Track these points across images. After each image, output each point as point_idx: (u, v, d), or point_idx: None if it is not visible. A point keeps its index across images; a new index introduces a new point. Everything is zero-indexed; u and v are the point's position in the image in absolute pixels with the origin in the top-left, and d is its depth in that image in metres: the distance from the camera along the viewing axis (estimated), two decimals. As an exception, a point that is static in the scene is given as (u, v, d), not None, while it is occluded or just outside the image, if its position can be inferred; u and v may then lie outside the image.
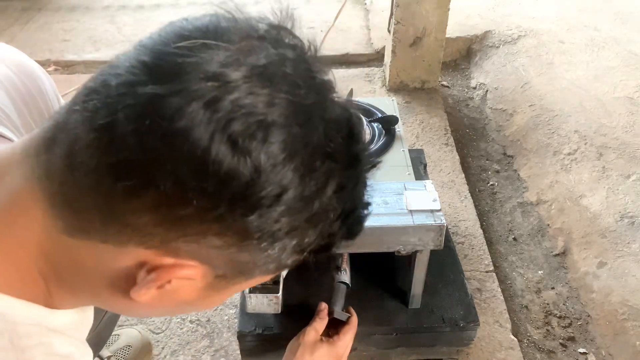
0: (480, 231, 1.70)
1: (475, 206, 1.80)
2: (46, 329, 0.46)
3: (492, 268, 1.59)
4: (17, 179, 0.42)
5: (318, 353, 1.00)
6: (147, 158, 0.37)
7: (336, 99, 0.43)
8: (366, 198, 0.47)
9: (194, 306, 0.49)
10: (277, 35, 0.41)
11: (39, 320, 0.46)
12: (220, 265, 0.43)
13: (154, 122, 0.36)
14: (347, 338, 1.05)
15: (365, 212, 0.47)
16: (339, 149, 0.41)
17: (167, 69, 0.37)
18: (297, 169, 0.38)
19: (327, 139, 0.40)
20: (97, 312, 0.57)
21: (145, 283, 0.42)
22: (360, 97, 1.57)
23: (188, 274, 0.42)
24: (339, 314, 1.10)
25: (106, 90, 0.38)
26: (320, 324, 1.05)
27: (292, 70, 0.40)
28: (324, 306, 1.10)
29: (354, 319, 1.09)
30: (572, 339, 1.49)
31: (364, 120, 1.43)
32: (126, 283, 0.43)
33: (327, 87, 0.42)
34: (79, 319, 0.51)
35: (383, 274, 1.29)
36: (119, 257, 0.42)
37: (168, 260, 0.41)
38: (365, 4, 3.02)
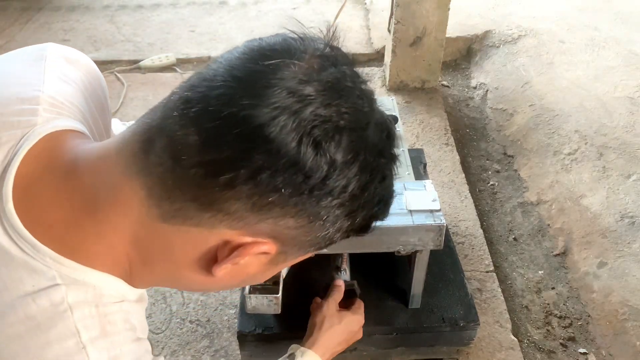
0: (481, 231, 1.70)
1: (476, 206, 1.80)
2: (125, 301, 0.54)
3: (492, 268, 1.58)
4: (115, 175, 0.50)
5: (346, 320, 1.07)
6: (248, 156, 0.45)
7: (377, 103, 0.53)
8: (394, 186, 0.56)
9: (253, 279, 0.59)
10: (334, 53, 0.51)
11: (122, 293, 0.54)
12: (287, 242, 0.52)
13: (255, 128, 0.45)
14: (362, 308, 1.12)
15: (393, 198, 0.57)
16: (384, 147, 0.52)
17: (259, 85, 0.46)
18: (359, 165, 0.48)
19: (378, 139, 0.51)
20: None
21: (230, 259, 0.50)
22: (360, 97, 1.56)
23: (264, 249, 0.51)
24: (351, 285, 1.16)
25: (206, 100, 0.47)
26: (338, 295, 1.10)
27: (351, 84, 0.50)
28: (340, 282, 1.14)
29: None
30: (572, 339, 1.49)
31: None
32: (208, 260, 0.52)
33: (373, 95, 0.53)
34: (142, 297, 0.59)
35: (383, 274, 1.29)
36: (206, 238, 0.50)
37: (248, 239, 0.50)
38: (365, 4, 3.02)
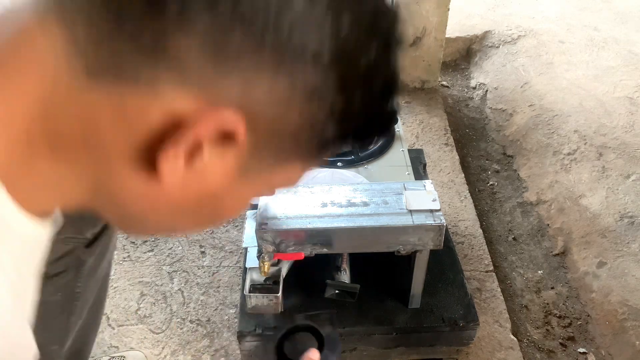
0: (480, 231, 1.70)
1: (475, 206, 1.80)
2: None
3: (491, 268, 1.59)
4: (22, 14, 0.35)
5: None
6: None
7: None
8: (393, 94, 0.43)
9: (218, 200, 0.42)
10: None
11: None
12: (260, 125, 0.37)
13: None
14: None
15: (395, 106, 0.43)
16: (383, 8, 0.38)
17: None
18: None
19: None
20: (64, 326, 0.44)
21: (180, 140, 0.35)
22: (360, 97, 1.57)
23: (227, 123, 0.35)
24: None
25: None
26: None
27: None
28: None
29: None
30: (571, 338, 1.49)
31: None
32: (149, 150, 0.36)
33: None
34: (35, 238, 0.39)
35: (383, 274, 1.29)
36: (148, 107, 0.35)
37: (206, 109, 0.35)
38: (365, 4, 3.02)
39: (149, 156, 0.36)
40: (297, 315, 0.96)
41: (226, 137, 0.36)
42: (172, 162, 0.35)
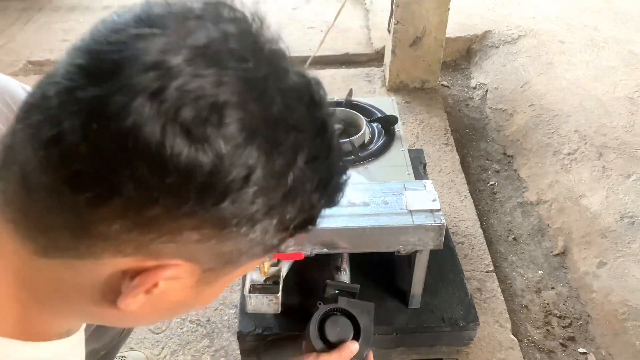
0: (480, 231, 1.70)
1: (475, 206, 1.80)
2: None
3: (492, 268, 1.59)
4: None
5: None
6: (103, 164, 0.35)
7: (291, 66, 0.41)
8: (342, 163, 0.45)
9: (188, 305, 0.47)
10: (216, 12, 0.39)
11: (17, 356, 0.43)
12: (204, 259, 0.41)
13: (102, 126, 0.34)
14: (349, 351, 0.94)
15: (344, 177, 0.45)
16: (302, 118, 0.40)
17: (104, 68, 0.36)
18: (260, 146, 0.37)
19: (287, 109, 0.38)
20: (101, 333, 0.56)
21: (131, 290, 0.40)
22: (360, 97, 1.57)
23: (173, 273, 0.40)
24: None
25: (46, 102, 0.37)
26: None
27: (236, 45, 0.38)
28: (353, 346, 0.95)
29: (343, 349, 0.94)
30: (572, 338, 1.49)
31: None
32: (112, 294, 0.41)
33: (278, 56, 0.41)
34: (65, 351, 0.48)
35: (383, 274, 1.29)
36: (97, 270, 0.40)
37: (150, 263, 0.40)
38: (365, 4, 3.02)
39: (113, 297, 0.41)
40: (341, 298, 0.99)
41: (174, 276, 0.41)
42: (131, 300, 0.41)
